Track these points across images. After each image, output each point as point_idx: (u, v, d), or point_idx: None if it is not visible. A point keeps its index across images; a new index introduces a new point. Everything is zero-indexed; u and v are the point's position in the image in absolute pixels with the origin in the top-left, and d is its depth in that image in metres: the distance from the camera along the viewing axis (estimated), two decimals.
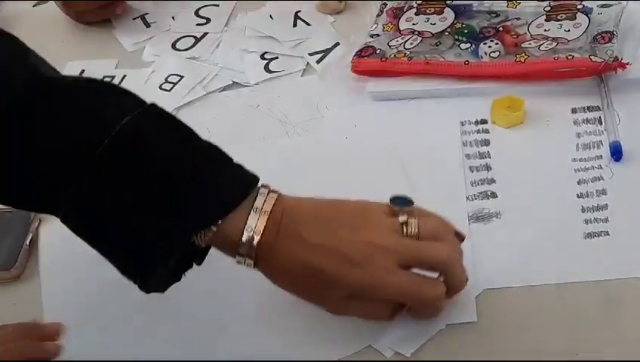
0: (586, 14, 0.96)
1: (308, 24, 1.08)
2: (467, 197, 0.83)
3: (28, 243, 0.85)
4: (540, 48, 0.93)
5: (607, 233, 0.78)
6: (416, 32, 0.99)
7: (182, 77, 1.03)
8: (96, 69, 1.07)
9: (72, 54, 1.11)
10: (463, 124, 0.91)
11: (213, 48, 1.07)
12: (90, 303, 0.80)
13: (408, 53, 0.96)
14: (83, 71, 1.08)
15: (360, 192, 0.85)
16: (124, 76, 1.06)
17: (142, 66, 1.07)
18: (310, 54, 1.03)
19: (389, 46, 0.98)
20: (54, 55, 1.10)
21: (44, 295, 0.82)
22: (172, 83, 1.02)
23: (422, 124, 0.92)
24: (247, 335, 0.76)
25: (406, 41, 0.98)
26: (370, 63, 0.96)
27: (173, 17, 1.13)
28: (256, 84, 1.01)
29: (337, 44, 1.04)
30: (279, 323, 0.76)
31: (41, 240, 0.86)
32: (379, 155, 0.89)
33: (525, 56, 0.93)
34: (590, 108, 0.90)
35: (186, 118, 0.97)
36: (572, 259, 0.77)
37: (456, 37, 0.97)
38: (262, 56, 1.04)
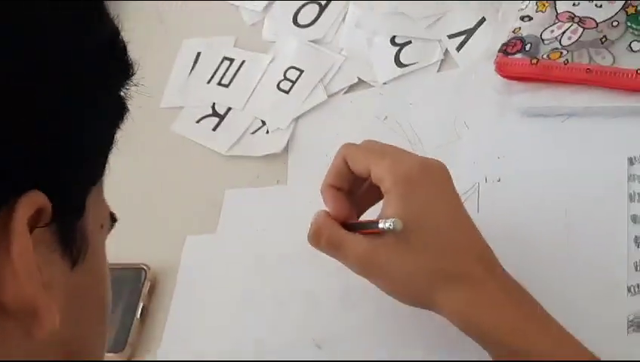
0: None
1: None
2: (635, 264, 0.67)
3: (139, 315, 0.79)
4: None
5: None
6: (576, 19, 0.78)
7: (302, 71, 0.89)
8: (214, 47, 0.96)
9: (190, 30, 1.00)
10: (631, 161, 0.72)
11: (338, 24, 0.91)
12: None
13: (565, 53, 0.76)
14: (199, 53, 0.96)
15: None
16: (243, 62, 0.93)
17: (261, 46, 0.94)
18: (449, 37, 0.85)
19: (542, 39, 0.78)
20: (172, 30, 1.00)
21: None
22: (291, 81, 0.89)
23: (575, 153, 0.74)
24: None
25: (563, 33, 0.77)
26: (518, 66, 0.77)
27: None
28: (384, 83, 0.85)
29: (483, 20, 0.85)
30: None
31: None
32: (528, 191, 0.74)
33: None
34: None
35: (305, 128, 0.84)
36: None
37: (630, 28, 0.75)
38: (392, 41, 0.87)
